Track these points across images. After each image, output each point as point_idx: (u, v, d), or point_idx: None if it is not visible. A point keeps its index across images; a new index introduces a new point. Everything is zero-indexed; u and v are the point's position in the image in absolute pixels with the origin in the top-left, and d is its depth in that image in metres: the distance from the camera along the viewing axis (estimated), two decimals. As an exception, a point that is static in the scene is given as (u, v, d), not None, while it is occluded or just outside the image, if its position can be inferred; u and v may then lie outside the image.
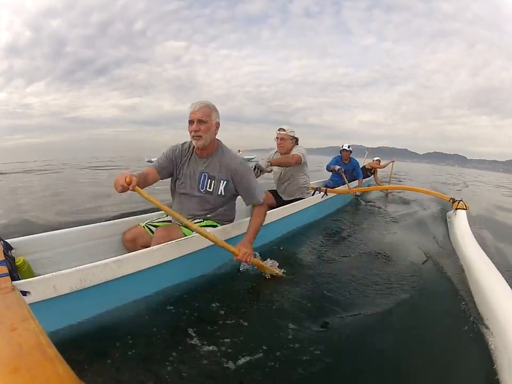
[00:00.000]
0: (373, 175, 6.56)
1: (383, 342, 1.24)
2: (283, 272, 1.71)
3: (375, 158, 6.81)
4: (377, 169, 6.69)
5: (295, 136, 2.70)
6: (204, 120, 1.48)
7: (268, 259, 1.78)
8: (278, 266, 1.75)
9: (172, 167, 1.66)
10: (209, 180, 1.61)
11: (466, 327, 1.33)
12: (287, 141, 2.65)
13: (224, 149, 1.65)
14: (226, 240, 1.66)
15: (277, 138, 2.68)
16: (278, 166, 2.64)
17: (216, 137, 1.64)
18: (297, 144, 2.73)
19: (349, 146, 4.59)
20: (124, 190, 1.26)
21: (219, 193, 1.62)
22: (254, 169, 2.39)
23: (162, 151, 1.70)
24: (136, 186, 1.27)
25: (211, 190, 1.61)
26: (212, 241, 1.43)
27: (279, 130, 2.66)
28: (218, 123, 1.57)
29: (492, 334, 1.20)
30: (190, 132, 1.52)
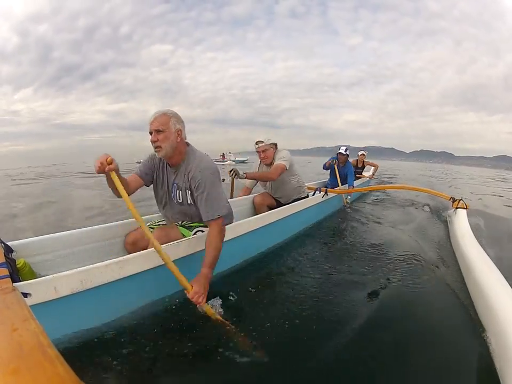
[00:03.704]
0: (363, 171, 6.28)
1: (380, 342, 1.24)
2: (242, 335, 1.24)
3: (360, 152, 6.40)
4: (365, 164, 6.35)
5: (273, 142, 2.61)
6: (160, 129, 1.43)
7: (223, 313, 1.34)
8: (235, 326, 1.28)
9: (152, 173, 1.62)
10: (178, 191, 1.54)
11: (466, 326, 1.33)
12: (269, 151, 2.57)
13: (192, 155, 1.53)
14: (224, 243, 1.65)
15: (258, 152, 2.60)
16: (254, 180, 2.65)
17: (186, 141, 1.56)
18: (277, 148, 2.64)
19: (345, 150, 4.48)
20: (100, 168, 1.23)
21: (189, 202, 1.54)
22: (230, 171, 2.42)
23: (148, 154, 1.64)
24: (113, 172, 1.25)
25: (181, 200, 1.55)
26: (169, 268, 1.24)
27: (257, 144, 2.57)
28: (180, 130, 1.48)
29: (491, 334, 1.19)
30: (151, 143, 1.48)
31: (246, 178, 2.46)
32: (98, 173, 1.26)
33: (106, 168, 1.23)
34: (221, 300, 1.43)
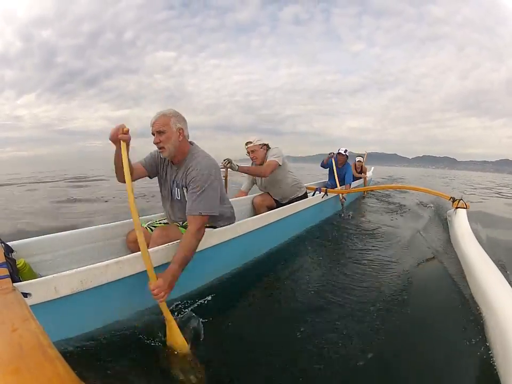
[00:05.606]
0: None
1: (380, 341, 1.24)
2: (191, 348, 1.13)
3: (357, 159, 6.20)
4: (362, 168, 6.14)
5: (264, 142, 2.60)
6: (161, 130, 1.44)
7: (193, 315, 1.28)
8: (194, 333, 1.20)
9: (157, 167, 1.64)
10: (177, 189, 1.55)
11: (466, 326, 1.33)
12: (259, 151, 2.56)
13: (195, 154, 1.53)
14: (222, 243, 1.65)
15: (248, 153, 2.60)
16: (246, 173, 2.62)
17: (190, 141, 1.57)
18: (269, 148, 2.62)
19: (345, 151, 4.43)
20: (115, 135, 1.23)
21: (187, 200, 1.51)
22: (225, 160, 2.38)
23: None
24: (124, 143, 1.24)
25: (179, 198, 1.56)
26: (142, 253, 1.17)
27: (246, 144, 2.58)
28: (181, 128, 1.49)
29: (493, 333, 1.19)
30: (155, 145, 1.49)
31: (238, 170, 2.44)
32: (112, 140, 1.25)
33: (120, 135, 1.23)
34: (201, 322, 1.25)
